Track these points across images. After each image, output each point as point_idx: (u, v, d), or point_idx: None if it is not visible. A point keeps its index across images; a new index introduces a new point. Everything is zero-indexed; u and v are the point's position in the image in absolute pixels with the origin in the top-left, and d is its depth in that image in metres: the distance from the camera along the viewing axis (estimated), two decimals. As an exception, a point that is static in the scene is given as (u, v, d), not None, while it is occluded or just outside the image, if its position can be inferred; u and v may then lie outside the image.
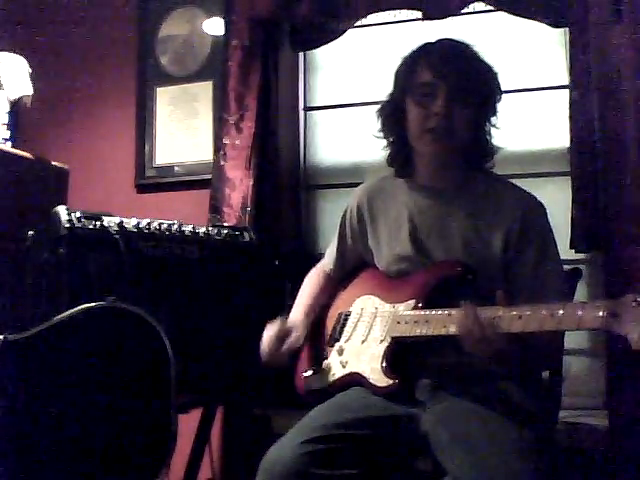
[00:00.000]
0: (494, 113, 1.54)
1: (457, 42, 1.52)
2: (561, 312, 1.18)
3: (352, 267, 1.72)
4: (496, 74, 1.53)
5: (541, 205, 1.52)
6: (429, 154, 1.53)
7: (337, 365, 1.56)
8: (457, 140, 1.48)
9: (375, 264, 1.64)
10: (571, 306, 1.20)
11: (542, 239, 1.48)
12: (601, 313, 1.13)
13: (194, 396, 1.91)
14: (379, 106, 1.61)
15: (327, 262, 1.77)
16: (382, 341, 1.47)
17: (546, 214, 1.51)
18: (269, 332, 1.58)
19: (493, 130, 1.55)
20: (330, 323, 1.66)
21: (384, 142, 1.62)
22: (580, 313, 1.16)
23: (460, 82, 1.45)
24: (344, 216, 1.71)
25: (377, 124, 1.61)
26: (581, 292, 1.95)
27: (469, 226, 1.49)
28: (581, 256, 2.10)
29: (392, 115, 1.57)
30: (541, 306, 1.22)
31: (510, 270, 1.46)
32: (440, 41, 1.54)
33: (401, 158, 1.59)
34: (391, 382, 1.41)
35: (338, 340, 1.59)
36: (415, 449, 1.38)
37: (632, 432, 1.86)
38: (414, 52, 1.54)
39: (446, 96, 1.45)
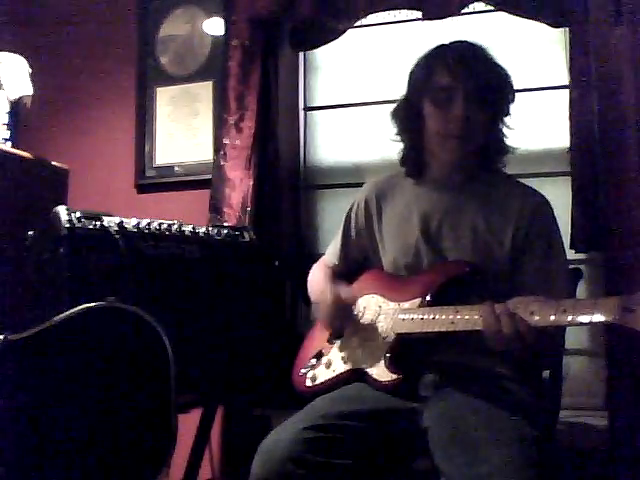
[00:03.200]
0: (508, 114, 1.55)
1: (472, 44, 1.54)
2: (573, 308, 1.18)
3: (354, 264, 1.72)
4: (510, 76, 1.55)
5: (548, 203, 1.53)
6: (447, 156, 1.54)
7: (338, 361, 1.56)
8: (476, 143, 1.51)
9: (379, 262, 1.65)
10: (584, 302, 1.19)
11: (549, 237, 1.49)
12: (615, 307, 1.12)
13: (194, 396, 1.91)
14: (394, 107, 1.62)
15: (330, 258, 1.78)
16: (386, 337, 1.47)
17: (553, 212, 1.53)
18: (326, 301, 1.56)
19: (507, 130, 1.56)
20: None
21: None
22: (593, 308, 1.15)
23: (478, 85, 1.47)
24: (350, 211, 1.73)
25: (391, 124, 1.62)
26: (581, 292, 1.95)
27: (478, 220, 1.51)
28: (581, 256, 2.10)
29: (408, 117, 1.58)
30: (553, 302, 1.22)
31: (517, 266, 1.47)
32: (455, 43, 1.54)
33: (413, 159, 1.61)
34: (394, 377, 1.42)
35: (339, 337, 1.60)
36: (415, 446, 1.38)
37: (632, 432, 1.86)
38: (430, 54, 1.55)
39: (465, 99, 1.46)
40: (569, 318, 1.18)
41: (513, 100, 1.55)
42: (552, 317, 1.20)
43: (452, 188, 1.56)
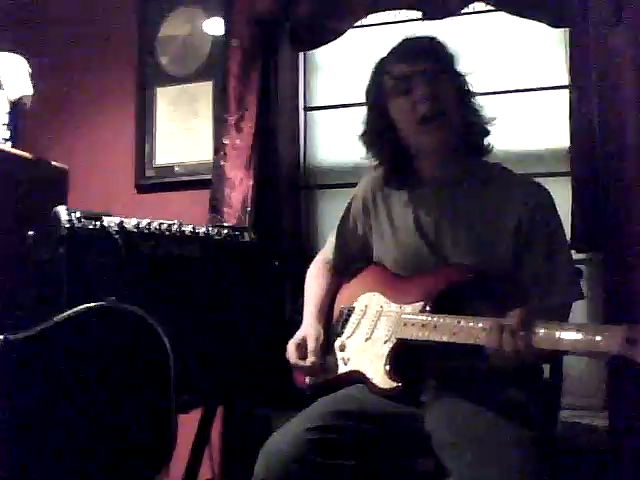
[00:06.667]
0: (467, 85, 1.54)
1: (413, 36, 1.56)
2: (577, 336, 1.17)
3: (350, 258, 1.72)
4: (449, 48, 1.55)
5: (550, 195, 1.51)
6: (430, 145, 1.50)
7: (339, 361, 1.56)
8: (451, 120, 1.47)
9: (377, 259, 1.64)
10: (588, 329, 1.17)
11: (552, 229, 1.48)
12: (619, 339, 1.11)
13: (194, 396, 1.91)
14: (361, 132, 1.62)
15: (327, 252, 1.77)
16: (387, 341, 1.47)
17: (554, 204, 1.51)
18: (289, 347, 1.60)
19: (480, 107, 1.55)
20: (330, 316, 1.66)
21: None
22: (597, 337, 1.14)
23: (432, 61, 1.48)
24: (350, 204, 1.72)
25: (366, 149, 1.61)
26: (581, 292, 1.95)
27: (477, 217, 1.49)
28: (581, 256, 2.10)
29: (379, 132, 1.57)
30: (557, 325, 1.21)
31: (521, 261, 1.46)
32: (399, 42, 1.56)
33: (398, 171, 1.59)
34: (394, 385, 1.41)
35: (340, 335, 1.60)
36: (417, 449, 1.38)
37: (632, 432, 1.86)
38: (376, 64, 1.57)
39: (425, 79, 1.46)
40: (570, 345, 1.18)
41: (465, 75, 1.54)
42: (553, 340, 1.19)
43: (447, 185, 1.53)
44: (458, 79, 1.52)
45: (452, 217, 1.51)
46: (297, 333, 1.62)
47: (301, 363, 1.56)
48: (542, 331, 1.21)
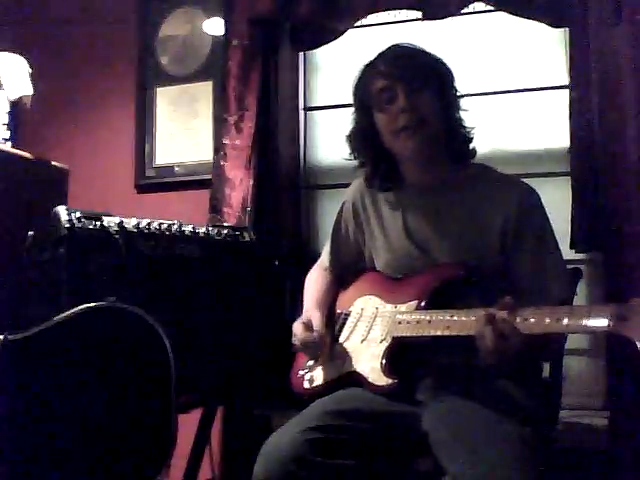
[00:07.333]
0: (456, 96, 1.55)
1: (401, 44, 1.56)
2: (568, 316, 1.18)
3: (346, 266, 1.72)
4: (443, 61, 1.56)
5: (535, 193, 1.51)
6: (411, 152, 1.51)
7: (337, 364, 1.56)
8: (431, 129, 1.48)
9: (371, 263, 1.64)
10: (578, 309, 1.19)
11: (540, 227, 1.48)
12: (609, 316, 1.12)
13: (194, 396, 1.91)
14: (348, 133, 1.62)
15: (324, 258, 1.79)
16: (382, 341, 1.47)
17: (541, 202, 1.51)
18: (296, 327, 1.58)
19: (464, 114, 1.55)
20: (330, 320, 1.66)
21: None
22: (587, 316, 1.15)
23: (413, 74, 1.48)
24: (341, 209, 1.73)
25: (350, 150, 1.62)
26: (581, 292, 1.95)
27: (464, 218, 1.50)
28: (581, 256, 2.10)
29: (364, 136, 1.58)
30: (547, 309, 1.22)
31: (510, 260, 1.46)
32: (384, 50, 1.57)
33: (382, 174, 1.60)
34: (390, 381, 1.41)
35: (337, 339, 1.60)
36: (415, 447, 1.38)
37: (632, 432, 1.86)
38: (363, 69, 1.57)
39: (405, 91, 1.47)
40: (562, 326, 1.18)
41: (453, 80, 1.55)
42: (544, 323, 1.20)
43: (432, 188, 1.55)
44: (441, 89, 1.51)
45: (439, 219, 1.52)
46: (300, 317, 1.61)
47: (309, 338, 1.54)
48: (531, 316, 1.22)
